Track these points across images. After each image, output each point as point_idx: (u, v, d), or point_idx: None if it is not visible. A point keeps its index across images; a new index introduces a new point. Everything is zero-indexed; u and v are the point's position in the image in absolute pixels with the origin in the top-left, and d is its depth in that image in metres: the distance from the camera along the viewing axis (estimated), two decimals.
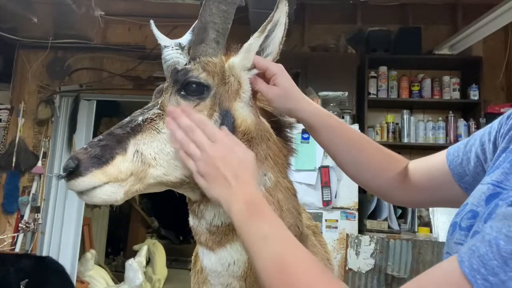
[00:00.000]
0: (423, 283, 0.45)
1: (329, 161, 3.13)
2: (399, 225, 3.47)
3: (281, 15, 0.87)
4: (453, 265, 0.42)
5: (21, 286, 3.25)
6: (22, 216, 4.40)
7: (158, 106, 0.85)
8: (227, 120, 0.83)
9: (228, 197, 0.72)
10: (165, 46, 0.91)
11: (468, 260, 0.41)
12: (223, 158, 0.73)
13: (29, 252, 4.29)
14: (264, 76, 0.91)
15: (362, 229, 3.34)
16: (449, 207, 0.93)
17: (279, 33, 0.88)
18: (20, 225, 4.33)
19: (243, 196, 0.71)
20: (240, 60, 0.87)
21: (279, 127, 0.96)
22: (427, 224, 3.45)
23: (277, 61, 0.93)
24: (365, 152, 0.95)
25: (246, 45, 0.88)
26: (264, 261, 0.65)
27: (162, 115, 0.83)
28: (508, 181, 0.56)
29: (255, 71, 0.89)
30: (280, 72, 0.90)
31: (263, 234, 0.67)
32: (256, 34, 0.87)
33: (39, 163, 4.45)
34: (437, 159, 0.86)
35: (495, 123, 0.73)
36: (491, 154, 0.71)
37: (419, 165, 0.91)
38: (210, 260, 0.85)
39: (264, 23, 0.87)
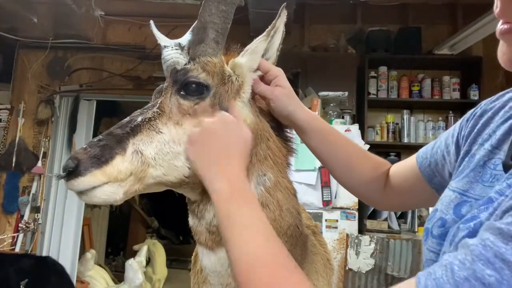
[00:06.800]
0: None
1: None
2: (399, 225, 3.47)
3: (281, 23, 0.90)
4: (411, 284, 0.46)
5: (21, 286, 3.26)
6: (22, 216, 4.40)
7: (158, 106, 0.85)
8: None
9: (213, 175, 0.70)
10: (165, 46, 0.91)
11: (424, 281, 0.45)
12: (218, 132, 0.72)
13: (29, 252, 4.29)
14: (262, 79, 0.93)
15: (362, 229, 3.33)
16: (425, 207, 0.98)
17: (277, 39, 0.92)
18: (20, 225, 4.33)
19: (229, 176, 0.69)
20: (247, 61, 0.89)
21: (279, 127, 0.96)
22: None
23: (276, 62, 0.95)
24: (353, 157, 0.97)
25: (252, 46, 0.89)
26: (239, 250, 0.62)
27: (161, 115, 0.83)
28: (473, 190, 0.61)
29: (259, 72, 0.92)
30: (282, 75, 0.93)
31: (245, 223, 0.64)
32: (261, 38, 0.89)
33: (39, 163, 4.44)
34: (410, 162, 0.88)
35: (457, 125, 0.76)
36: (454, 155, 0.74)
37: (397, 169, 0.94)
38: (210, 260, 0.85)
39: (269, 28, 0.89)
